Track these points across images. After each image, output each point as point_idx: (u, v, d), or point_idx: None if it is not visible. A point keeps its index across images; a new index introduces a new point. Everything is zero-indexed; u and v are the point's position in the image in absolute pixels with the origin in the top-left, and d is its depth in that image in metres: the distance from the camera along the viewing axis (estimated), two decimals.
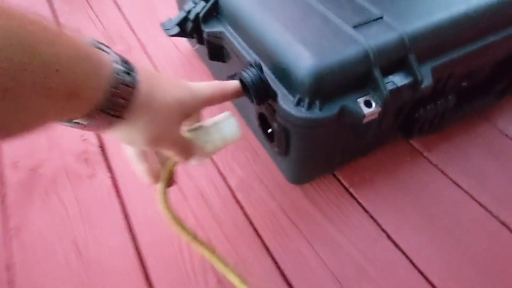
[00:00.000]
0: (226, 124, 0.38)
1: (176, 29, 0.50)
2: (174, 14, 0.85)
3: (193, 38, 0.54)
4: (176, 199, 0.53)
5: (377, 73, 0.37)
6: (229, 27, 0.47)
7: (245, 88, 0.38)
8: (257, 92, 0.37)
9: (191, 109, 0.33)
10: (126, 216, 0.52)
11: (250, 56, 0.43)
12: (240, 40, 0.45)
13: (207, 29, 0.48)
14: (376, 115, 0.38)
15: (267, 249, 0.48)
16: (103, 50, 0.27)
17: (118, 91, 0.25)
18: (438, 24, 0.40)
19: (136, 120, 0.28)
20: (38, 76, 0.19)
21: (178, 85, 0.32)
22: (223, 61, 0.55)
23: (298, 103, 0.37)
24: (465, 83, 0.53)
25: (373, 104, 0.38)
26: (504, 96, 0.61)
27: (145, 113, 0.28)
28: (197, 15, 0.49)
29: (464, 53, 0.43)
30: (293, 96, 0.38)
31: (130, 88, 0.26)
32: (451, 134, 0.60)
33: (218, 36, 0.48)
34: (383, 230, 0.49)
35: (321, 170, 0.53)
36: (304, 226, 0.50)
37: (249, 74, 0.37)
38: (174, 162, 0.37)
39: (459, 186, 0.53)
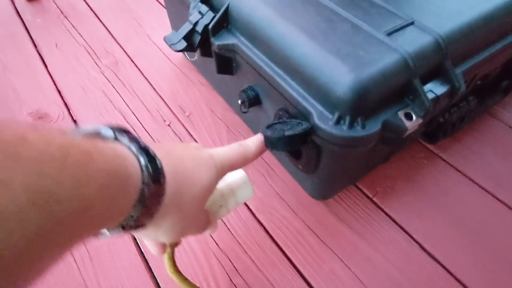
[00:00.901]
0: (241, 188, 0.35)
1: (183, 44, 0.45)
2: (162, 23, 0.80)
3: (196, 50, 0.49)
4: None
5: (417, 83, 0.35)
6: (243, 39, 0.43)
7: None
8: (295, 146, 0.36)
9: (215, 185, 0.29)
10: (141, 251, 0.47)
11: (273, 71, 0.40)
12: (258, 53, 0.42)
13: (218, 42, 0.44)
14: (417, 127, 0.36)
15: (300, 274, 0.45)
16: (120, 141, 0.21)
17: (146, 202, 0.21)
18: (469, 25, 0.39)
19: (161, 222, 0.24)
20: (62, 236, 0.15)
21: (201, 163, 0.27)
22: (232, 73, 0.51)
23: (337, 122, 0.34)
24: (479, 82, 0.53)
25: (414, 116, 0.35)
26: (510, 92, 0.61)
27: (173, 213, 0.24)
28: (206, 27, 0.44)
29: (490, 53, 0.42)
30: (331, 113, 0.35)
31: (158, 195, 0.22)
32: (461, 134, 0.59)
33: (231, 49, 0.44)
34: (415, 240, 0.47)
35: (346, 183, 0.51)
36: (335, 245, 0.47)
37: (277, 147, 0.35)
38: None
39: (480, 186, 0.53)
